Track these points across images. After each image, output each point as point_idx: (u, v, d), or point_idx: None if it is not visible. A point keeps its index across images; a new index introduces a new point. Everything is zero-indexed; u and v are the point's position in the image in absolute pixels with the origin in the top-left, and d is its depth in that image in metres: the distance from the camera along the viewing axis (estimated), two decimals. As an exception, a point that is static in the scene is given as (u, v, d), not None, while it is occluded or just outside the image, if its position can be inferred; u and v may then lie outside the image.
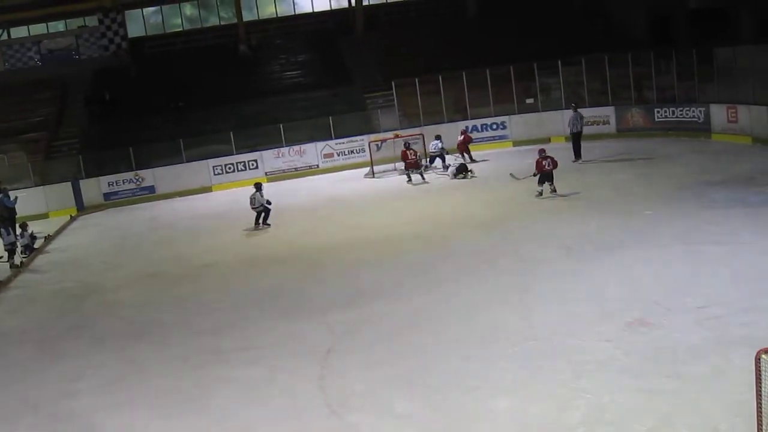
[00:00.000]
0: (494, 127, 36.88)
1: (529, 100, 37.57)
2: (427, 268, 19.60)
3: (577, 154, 31.13)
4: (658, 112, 33.92)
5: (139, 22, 47.17)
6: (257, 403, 13.18)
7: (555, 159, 25.33)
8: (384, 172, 33.50)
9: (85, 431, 13.10)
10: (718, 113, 31.52)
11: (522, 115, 37.01)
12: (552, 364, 13.01)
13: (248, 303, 18.79)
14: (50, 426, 13.52)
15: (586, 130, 32.61)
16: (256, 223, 26.79)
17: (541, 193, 25.27)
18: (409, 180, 31.04)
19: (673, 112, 33.41)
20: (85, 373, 15.64)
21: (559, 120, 34.80)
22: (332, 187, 32.50)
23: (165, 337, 17.19)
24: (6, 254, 25.67)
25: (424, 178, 30.91)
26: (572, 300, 15.85)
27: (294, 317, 17.18)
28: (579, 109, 32.13)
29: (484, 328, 15.07)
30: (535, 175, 25.47)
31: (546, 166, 25.17)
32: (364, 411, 12.37)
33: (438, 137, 33.21)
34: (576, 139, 31.35)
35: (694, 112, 32.60)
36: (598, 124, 34.83)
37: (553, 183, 25.26)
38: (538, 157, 25.53)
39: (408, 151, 31.53)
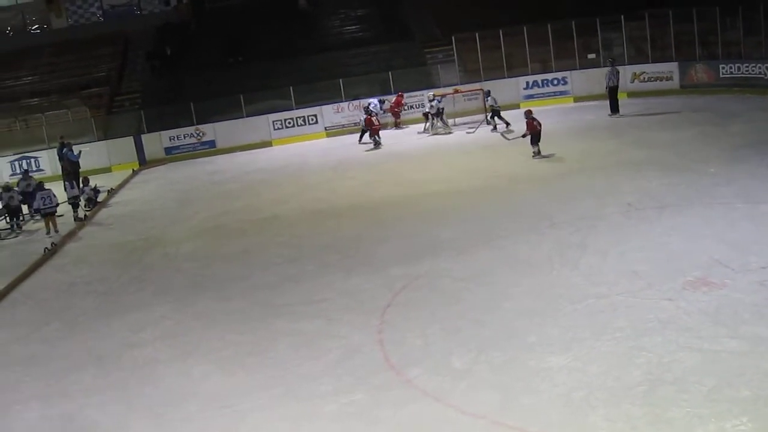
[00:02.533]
0: (555, 82, 36.45)
1: (591, 56, 36.98)
2: (486, 223, 19.50)
3: (614, 109, 31.50)
4: (723, 68, 33.22)
5: (200, -24, 47.23)
6: (315, 357, 13.29)
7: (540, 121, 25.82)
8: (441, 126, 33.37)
9: (147, 381, 13.32)
10: (787, 68, 30.80)
11: (584, 70, 36.45)
12: (612, 322, 12.93)
13: (308, 257, 18.91)
14: (114, 375, 13.79)
15: (649, 86, 32.23)
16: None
17: (538, 152, 25.52)
18: (377, 145, 31.61)
19: (739, 68, 32.69)
20: (147, 324, 15.91)
21: (621, 75, 34.29)
22: (392, 142, 32.41)
23: (225, 290, 17.40)
24: (71, 207, 26.07)
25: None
26: (632, 258, 15.68)
27: (354, 271, 17.27)
28: (616, 65, 32.48)
29: (544, 286, 15.00)
30: (524, 136, 25.79)
31: (537, 126, 25.47)
32: (422, 365, 12.41)
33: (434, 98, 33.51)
34: (612, 93, 31.75)
35: (760, 68, 31.88)
36: (660, 80, 34.22)
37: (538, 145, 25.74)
38: (526, 118, 25.86)
39: (372, 117, 32.29)
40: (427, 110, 33.56)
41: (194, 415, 11.96)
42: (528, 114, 25.91)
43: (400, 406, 11.32)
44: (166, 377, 13.39)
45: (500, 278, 15.75)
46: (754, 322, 12.27)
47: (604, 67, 34.94)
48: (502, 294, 14.90)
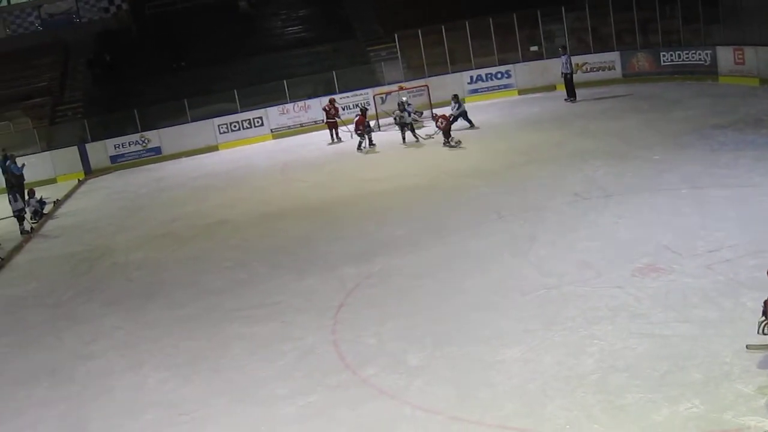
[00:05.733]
0: (499, 76, 36.57)
1: (534, 48, 37.25)
2: (435, 219, 19.58)
3: (570, 94, 32.26)
4: (664, 55, 33.60)
5: (139, -18, 46.80)
6: (271, 360, 13.27)
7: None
8: (390, 124, 33.32)
9: (101, 393, 13.19)
10: (725, 55, 31.21)
11: (527, 63, 36.66)
12: (563, 312, 13.05)
13: (259, 259, 18.85)
14: (68, 388, 13.65)
15: (592, 76, 32.74)
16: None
17: (451, 142, 27.56)
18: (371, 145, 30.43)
19: (679, 56, 33.08)
20: (99, 335, 15.77)
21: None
22: (339, 141, 32.39)
23: (177, 296, 17.28)
24: (16, 220, 25.69)
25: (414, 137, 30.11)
26: (581, 247, 15.85)
27: (306, 272, 17.24)
28: (568, 53, 32.91)
29: (495, 278, 15.10)
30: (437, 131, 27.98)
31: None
32: (377, 364, 12.43)
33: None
34: (567, 80, 32.42)
35: (700, 54, 32.29)
36: (603, 70, 34.55)
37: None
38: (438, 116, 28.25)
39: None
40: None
41: (151, 424, 11.88)
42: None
43: (357, 405, 11.34)
44: (121, 388, 13.27)
45: (452, 273, 15.81)
46: (703, 306, 12.45)
47: (547, 59, 35.32)
48: (454, 289, 14.97)
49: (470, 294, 14.58)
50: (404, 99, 31.71)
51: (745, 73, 30.20)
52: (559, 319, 12.83)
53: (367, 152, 29.14)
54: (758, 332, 10.29)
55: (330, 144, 32.03)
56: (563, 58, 32.72)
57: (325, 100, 34.33)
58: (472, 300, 14.28)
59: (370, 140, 29.65)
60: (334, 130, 32.32)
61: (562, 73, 32.79)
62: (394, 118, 30.32)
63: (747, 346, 10.63)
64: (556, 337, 12.24)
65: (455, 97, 30.70)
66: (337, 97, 35.45)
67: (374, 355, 12.79)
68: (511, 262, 15.85)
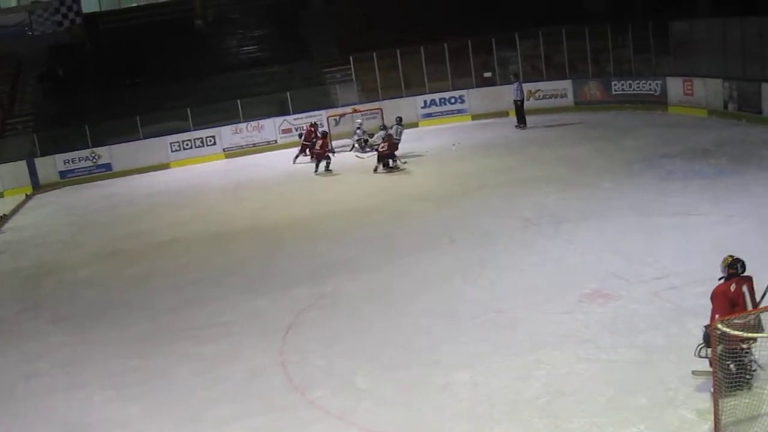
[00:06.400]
0: (453, 101, 36.82)
1: (487, 74, 37.54)
2: (386, 242, 19.64)
3: (521, 120, 32.58)
4: (615, 85, 34.10)
5: (94, -2, 46.51)
6: (219, 380, 13.18)
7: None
8: (343, 146, 33.39)
9: (45, 412, 13.01)
10: (675, 86, 31.78)
11: (480, 89, 36.98)
12: (511, 336, 13.14)
13: (209, 279, 18.73)
14: (10, 406, 13.42)
15: (544, 103, 33.19)
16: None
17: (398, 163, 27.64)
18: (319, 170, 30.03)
19: (630, 85, 33.59)
20: (44, 353, 15.54)
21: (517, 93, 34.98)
22: (291, 163, 32.35)
23: (125, 315, 17.09)
24: None
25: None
26: (531, 272, 15.99)
27: (255, 293, 17.17)
28: (520, 80, 33.32)
29: (444, 302, 15.17)
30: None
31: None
32: (325, 386, 12.41)
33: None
34: (518, 106, 32.75)
35: (650, 85, 32.83)
36: (555, 97, 34.93)
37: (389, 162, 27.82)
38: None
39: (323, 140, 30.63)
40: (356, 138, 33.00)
41: (95, 443, 11.74)
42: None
43: (304, 427, 11.31)
44: (66, 406, 13.10)
45: (402, 296, 15.85)
46: (649, 332, 12.61)
47: (500, 85, 35.67)
48: (404, 312, 15.00)
49: (420, 317, 14.62)
50: (358, 122, 31.99)
51: (693, 104, 30.74)
52: (507, 343, 12.91)
53: (323, 174, 29.05)
54: (695, 354, 10.45)
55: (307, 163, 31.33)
56: (515, 85, 33.05)
57: (279, 120, 34.40)
58: (422, 323, 14.31)
59: (328, 164, 29.57)
60: (309, 150, 31.58)
61: (513, 100, 33.05)
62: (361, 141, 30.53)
63: (692, 372, 10.78)
64: (504, 361, 12.31)
65: (399, 119, 31.28)
66: (290, 118, 35.55)
67: (322, 377, 12.76)
68: (461, 285, 15.93)
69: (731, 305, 9.93)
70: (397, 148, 28.33)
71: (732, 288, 10.03)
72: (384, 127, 29.94)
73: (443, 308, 14.87)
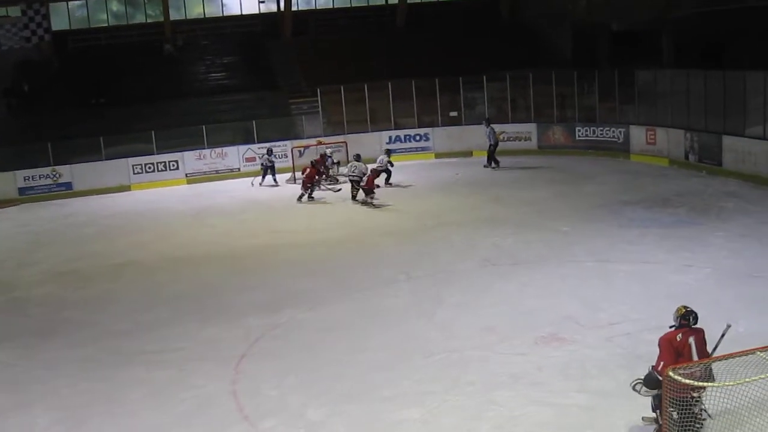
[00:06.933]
0: (417, 138, 37.01)
1: (453, 113, 37.77)
2: (345, 275, 19.62)
3: (490, 161, 32.85)
4: (579, 130, 34.48)
5: (64, 16, 46.25)
6: (168, 407, 13.05)
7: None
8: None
9: (-12, 431, 12.82)
10: (638, 134, 32.21)
11: (445, 127, 37.24)
12: (464, 376, 13.13)
13: (164, 304, 18.56)
14: (-48, 425, 13.21)
15: (509, 145, 33.53)
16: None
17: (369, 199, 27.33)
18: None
19: (594, 132, 34.00)
20: (-10, 371, 15.31)
21: (482, 134, 35.27)
22: (253, 191, 32.30)
23: (77, 336, 16.89)
24: None
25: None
26: (487, 313, 16.00)
27: (210, 320, 17.05)
28: (492, 125, 33.48)
29: (399, 339, 15.14)
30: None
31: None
32: (276, 417, 12.32)
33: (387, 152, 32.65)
34: (490, 150, 33.03)
35: (614, 132, 33.24)
36: (519, 140, 35.22)
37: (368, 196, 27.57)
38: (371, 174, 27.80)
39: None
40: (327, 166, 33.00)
41: (37, 466, 11.55)
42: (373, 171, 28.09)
43: (252, 457, 11.20)
44: (8, 428, 12.87)
45: (357, 330, 15.81)
46: (601, 377, 12.67)
47: (466, 125, 36.00)
48: (358, 346, 14.96)
49: (374, 352, 14.59)
50: (328, 151, 32.13)
51: (655, 153, 31.16)
52: (459, 383, 12.90)
53: (306, 203, 29.04)
54: (631, 386, 10.55)
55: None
56: (487, 130, 33.25)
57: (243, 149, 34.50)
58: (376, 358, 14.28)
59: (311, 193, 29.53)
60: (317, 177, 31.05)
61: (489, 144, 33.22)
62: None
63: (642, 418, 10.84)
64: (455, 400, 12.30)
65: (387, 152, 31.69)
66: (255, 146, 35.55)
67: (274, 408, 12.67)
68: (416, 323, 15.92)
69: (676, 354, 10.02)
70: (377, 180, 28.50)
71: (678, 338, 10.11)
72: (357, 157, 29.96)
73: (397, 345, 14.84)
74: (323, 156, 32.51)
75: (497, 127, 33.99)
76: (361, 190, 27.88)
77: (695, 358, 9.88)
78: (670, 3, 33.65)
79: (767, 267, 17.65)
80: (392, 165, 31.06)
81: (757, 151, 26.19)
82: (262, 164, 33.46)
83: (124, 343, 16.21)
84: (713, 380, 9.79)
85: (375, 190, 27.70)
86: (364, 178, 27.90)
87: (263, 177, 33.11)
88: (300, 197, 29.39)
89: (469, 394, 12.45)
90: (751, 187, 25.47)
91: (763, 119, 26.24)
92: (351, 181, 28.86)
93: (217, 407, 12.86)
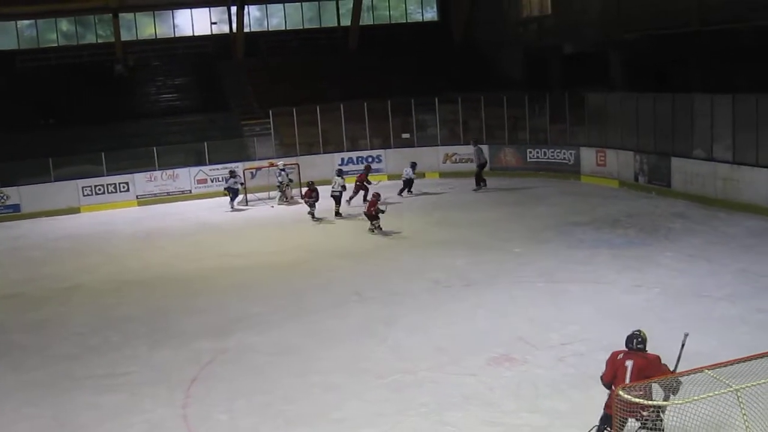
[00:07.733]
0: (370, 160, 37.03)
1: (405, 135, 37.97)
2: (295, 297, 19.52)
3: (478, 183, 32.72)
4: (531, 152, 34.77)
5: (12, 35, 45.78)
6: (117, 431, 12.86)
7: None
8: (258, 200, 33.32)
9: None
10: (588, 156, 32.54)
11: (398, 149, 37.33)
12: (417, 397, 13.09)
13: (113, 328, 18.32)
14: None
15: (460, 167, 33.87)
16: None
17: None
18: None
19: (545, 153, 34.30)
20: (-66, 397, 14.99)
21: (434, 155, 35.43)
22: (204, 214, 32.11)
23: (23, 360, 16.61)
24: None
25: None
26: (438, 333, 16.01)
27: (159, 344, 16.86)
28: (479, 145, 33.78)
29: (351, 360, 15.08)
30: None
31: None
32: (227, 441, 12.20)
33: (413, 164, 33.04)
34: (477, 172, 33.02)
35: (564, 154, 33.55)
36: (471, 162, 35.38)
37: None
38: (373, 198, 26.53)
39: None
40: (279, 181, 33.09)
41: (-19, 493, 11.32)
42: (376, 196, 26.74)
43: (202, 482, 11.07)
44: (-48, 453, 12.65)
45: (308, 353, 15.73)
46: (553, 397, 12.70)
47: (418, 147, 36.14)
48: (309, 368, 14.87)
49: (325, 374, 14.50)
50: (280, 163, 32.19)
51: (606, 175, 31.49)
52: (412, 404, 12.86)
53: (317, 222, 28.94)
54: None
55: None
56: (474, 149, 33.46)
57: (195, 170, 34.33)
58: (327, 381, 14.20)
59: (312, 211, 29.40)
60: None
61: (476, 165, 33.22)
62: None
63: None
64: (408, 422, 12.27)
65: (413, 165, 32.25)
66: (206, 168, 35.40)
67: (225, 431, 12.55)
68: (368, 344, 15.87)
69: (613, 373, 10.09)
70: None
71: (619, 357, 10.17)
72: (339, 172, 29.91)
73: (349, 366, 14.79)
74: (279, 169, 32.71)
75: (449, 149, 34.12)
76: (368, 220, 26.43)
77: (627, 380, 9.90)
78: (620, 26, 34.04)
79: (714, 286, 17.89)
80: (370, 183, 30.84)
81: (705, 172, 26.56)
82: (228, 188, 32.98)
83: (72, 366, 15.97)
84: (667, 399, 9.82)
85: (380, 215, 26.16)
86: (365, 205, 27.55)
87: (233, 199, 32.76)
88: (312, 215, 29.23)
89: (422, 415, 12.42)
90: (699, 208, 25.81)
91: (710, 141, 26.61)
92: (333, 197, 29.04)
93: (168, 431, 12.70)
